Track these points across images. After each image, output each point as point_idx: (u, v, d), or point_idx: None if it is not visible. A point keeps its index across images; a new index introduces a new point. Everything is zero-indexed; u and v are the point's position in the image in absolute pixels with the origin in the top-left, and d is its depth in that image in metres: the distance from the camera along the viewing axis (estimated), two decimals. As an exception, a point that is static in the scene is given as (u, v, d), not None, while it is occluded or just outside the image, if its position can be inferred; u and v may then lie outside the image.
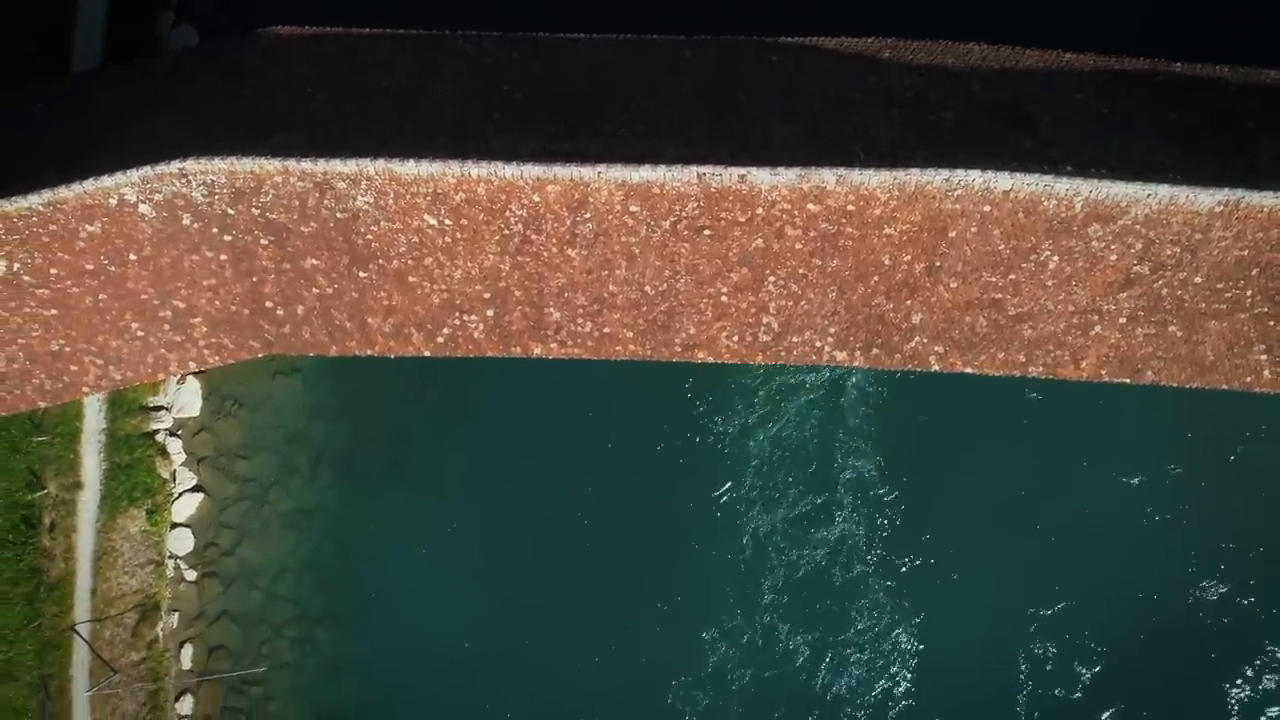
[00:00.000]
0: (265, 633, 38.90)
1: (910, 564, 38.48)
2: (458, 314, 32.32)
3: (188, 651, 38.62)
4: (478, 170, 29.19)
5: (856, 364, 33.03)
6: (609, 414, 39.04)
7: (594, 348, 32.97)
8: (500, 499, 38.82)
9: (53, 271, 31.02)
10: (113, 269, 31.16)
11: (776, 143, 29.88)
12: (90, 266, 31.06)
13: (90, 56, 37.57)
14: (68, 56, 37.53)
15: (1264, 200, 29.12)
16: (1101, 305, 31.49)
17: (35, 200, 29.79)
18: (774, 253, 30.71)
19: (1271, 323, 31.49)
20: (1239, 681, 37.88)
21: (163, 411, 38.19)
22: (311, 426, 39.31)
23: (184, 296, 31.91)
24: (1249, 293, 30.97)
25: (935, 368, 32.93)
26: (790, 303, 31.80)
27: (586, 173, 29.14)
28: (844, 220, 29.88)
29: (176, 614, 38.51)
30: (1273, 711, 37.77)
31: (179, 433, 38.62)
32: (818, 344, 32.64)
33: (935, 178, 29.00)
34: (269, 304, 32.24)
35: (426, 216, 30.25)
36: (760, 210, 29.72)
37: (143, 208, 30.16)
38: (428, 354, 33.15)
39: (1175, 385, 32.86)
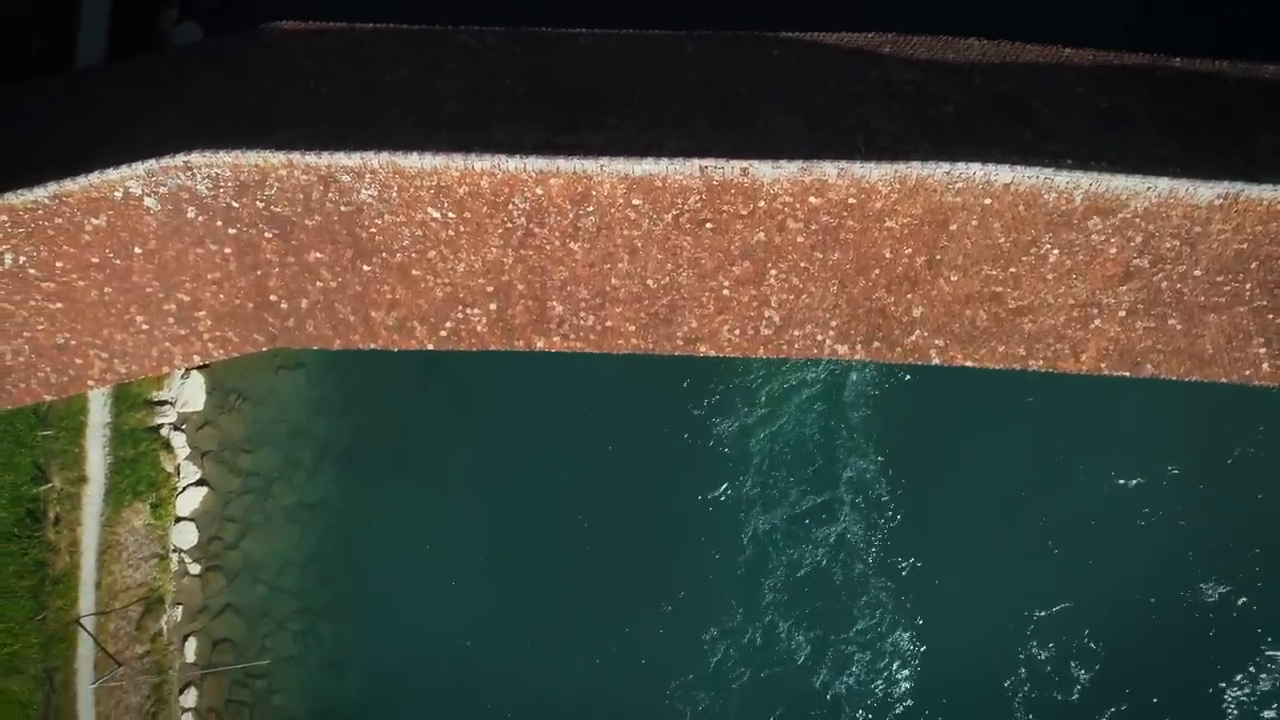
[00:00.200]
0: (269, 626, 39.04)
1: (910, 563, 38.55)
2: (461, 307, 32.44)
3: (192, 644, 38.77)
4: (481, 163, 29.33)
5: (857, 357, 33.13)
6: (610, 412, 39.11)
7: (596, 341, 33.07)
8: (502, 494, 38.92)
9: (58, 265, 31.19)
10: (118, 262, 31.32)
11: (778, 135, 30.00)
12: (95, 260, 31.22)
13: (94, 54, 37.66)
14: (71, 54, 37.62)
15: (1263, 193, 29.20)
16: (1101, 298, 31.57)
17: (41, 193, 29.97)
18: (776, 246, 30.83)
19: (1270, 316, 31.54)
20: (1237, 678, 37.92)
21: (167, 406, 38.35)
22: (315, 421, 39.42)
23: (189, 290, 32.05)
24: (1248, 286, 31.05)
25: (936, 361, 33.00)
26: (792, 296, 31.91)
27: (589, 165, 29.27)
28: (845, 213, 30.01)
29: (180, 607, 38.66)
30: (1269, 713, 37.81)
31: (183, 427, 38.75)
32: (819, 337, 32.73)
33: (936, 171, 29.12)
34: (273, 297, 32.37)
35: (430, 210, 30.39)
36: (762, 203, 29.86)
37: (148, 201, 30.31)
38: (431, 347, 33.25)
39: (1174, 378, 32.88)
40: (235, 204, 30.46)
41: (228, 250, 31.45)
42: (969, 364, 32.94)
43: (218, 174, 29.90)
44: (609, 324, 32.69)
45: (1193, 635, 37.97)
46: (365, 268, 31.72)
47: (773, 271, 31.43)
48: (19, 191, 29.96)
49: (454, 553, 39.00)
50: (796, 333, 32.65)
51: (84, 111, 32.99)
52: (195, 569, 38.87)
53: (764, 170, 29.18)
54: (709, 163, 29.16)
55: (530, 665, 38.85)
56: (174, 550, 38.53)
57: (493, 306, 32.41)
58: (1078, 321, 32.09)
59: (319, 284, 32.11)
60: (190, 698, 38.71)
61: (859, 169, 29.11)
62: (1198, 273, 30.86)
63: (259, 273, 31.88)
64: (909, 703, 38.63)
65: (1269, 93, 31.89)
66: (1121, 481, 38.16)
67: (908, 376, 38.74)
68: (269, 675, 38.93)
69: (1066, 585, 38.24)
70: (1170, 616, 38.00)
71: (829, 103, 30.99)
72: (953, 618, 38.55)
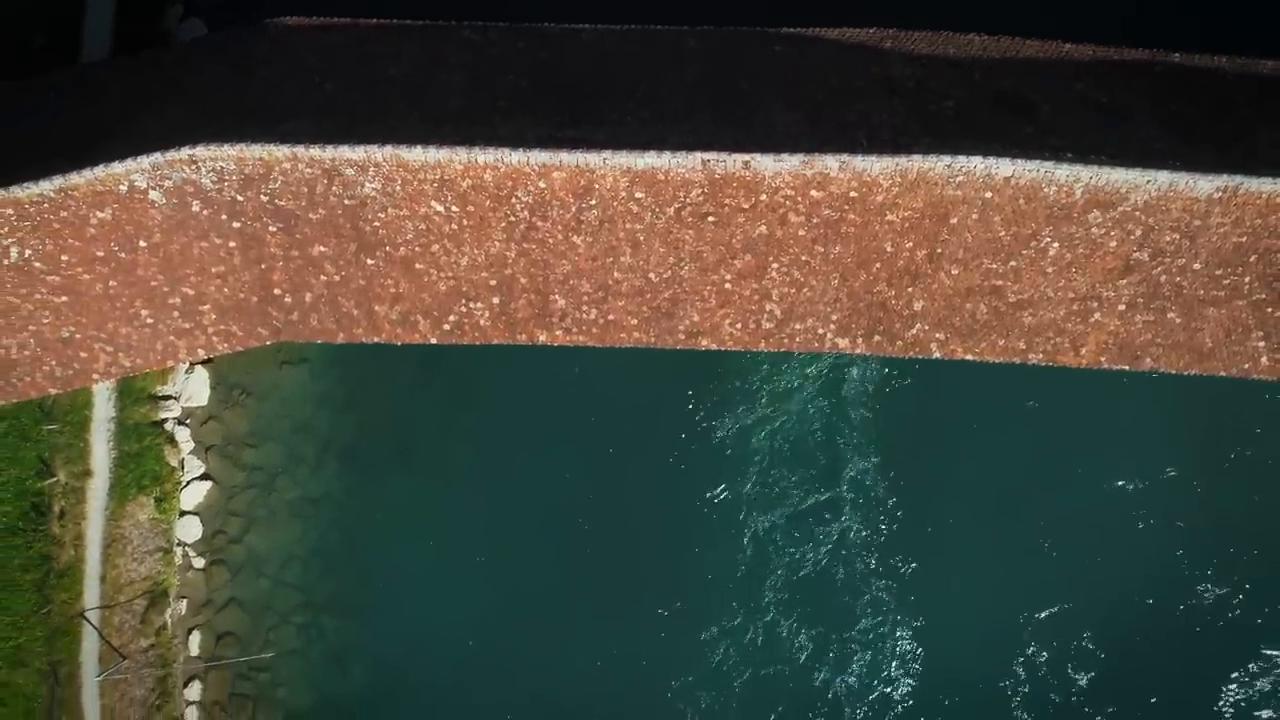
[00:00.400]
0: (272, 620, 39.17)
1: (911, 563, 38.65)
2: (464, 301, 32.58)
3: (196, 638, 38.91)
4: (484, 156, 29.47)
5: (859, 351, 33.24)
6: (611, 409, 39.23)
7: (599, 335, 33.19)
8: (504, 490, 39.06)
9: (64, 258, 31.27)
10: (123, 256, 31.42)
11: (780, 130, 30.14)
12: (101, 253, 31.32)
13: (99, 51, 37.79)
14: (76, 51, 37.72)
15: (1262, 186, 29.34)
16: (1101, 292, 31.70)
17: (47, 186, 30.04)
18: (777, 239, 30.98)
19: (1269, 309, 31.66)
20: (1235, 678, 38.04)
21: (171, 400, 38.48)
22: (318, 416, 39.58)
23: (193, 284, 32.16)
24: (1247, 279, 31.18)
25: (936, 354, 33.11)
26: (793, 290, 32.05)
27: (592, 159, 29.41)
28: (847, 207, 30.15)
29: (185, 601, 38.78)
30: (1267, 713, 37.92)
31: (187, 421, 38.89)
32: (820, 331, 32.86)
33: (937, 164, 29.27)
34: (277, 291, 32.50)
35: (433, 203, 30.53)
36: (764, 197, 29.99)
37: (153, 194, 30.43)
38: (434, 341, 33.36)
39: (1174, 372, 32.95)
40: (240, 197, 30.58)
41: (232, 244, 31.57)
42: (969, 357, 33.04)
43: (222, 167, 30.02)
44: (611, 317, 32.81)
45: (1191, 635, 38.09)
46: (369, 261, 31.85)
47: (774, 265, 31.57)
48: (24, 185, 30.03)
49: (456, 548, 39.11)
50: (798, 326, 32.77)
51: (89, 106, 33.09)
52: (199, 563, 39.01)
53: (766, 164, 29.32)
54: (711, 156, 29.31)
55: (531, 662, 38.94)
56: (178, 544, 38.68)
57: (495, 300, 32.55)
58: (1077, 315, 32.20)
59: (323, 278, 32.24)
60: (194, 691, 38.82)
61: (860, 162, 29.25)
62: (1197, 266, 30.98)
63: (263, 266, 32.00)
64: (909, 703, 38.73)
65: (1267, 88, 32.06)
66: (1121, 483, 38.33)
67: (908, 376, 38.91)
68: (272, 668, 39.04)
69: (1066, 585, 38.36)
70: (1169, 617, 38.14)
71: (830, 98, 31.13)
72: (952, 617, 38.66)
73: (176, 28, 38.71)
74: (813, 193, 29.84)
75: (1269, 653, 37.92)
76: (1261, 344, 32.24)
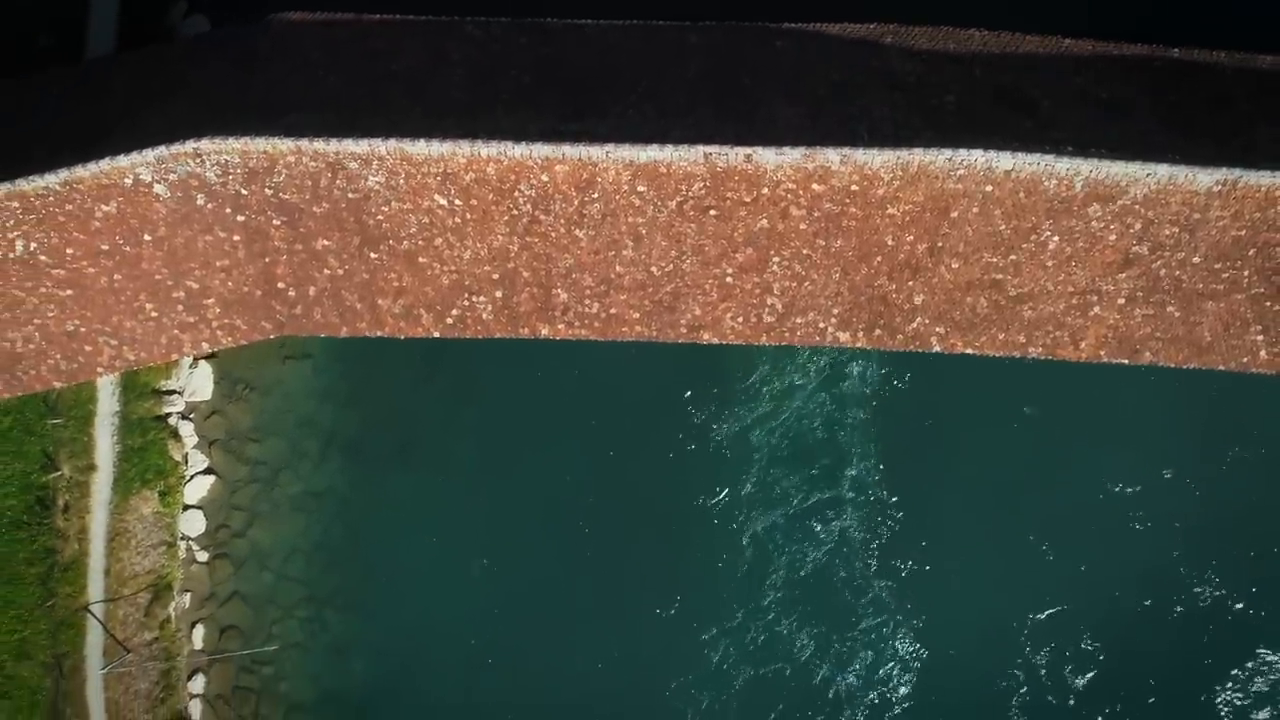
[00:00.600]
0: (276, 613, 39.31)
1: (910, 563, 38.75)
2: (467, 295, 32.68)
3: (199, 631, 39.05)
4: (487, 150, 29.56)
5: (859, 345, 33.31)
6: (613, 407, 39.36)
7: (600, 329, 33.24)
8: (506, 485, 39.20)
9: (69, 251, 31.36)
10: (128, 249, 31.52)
11: (781, 124, 30.24)
12: (105, 246, 31.42)
13: (103, 49, 37.97)
14: (80, 50, 37.88)
15: (1261, 179, 29.41)
16: (1101, 286, 31.79)
17: (52, 179, 30.10)
18: (779, 233, 31.09)
19: (1268, 303, 31.75)
20: (1232, 680, 38.17)
21: (175, 395, 38.64)
22: (321, 410, 39.70)
23: (197, 277, 32.25)
24: (1246, 273, 31.27)
25: (936, 348, 33.19)
26: (794, 283, 32.16)
27: (594, 152, 29.49)
28: (848, 200, 30.26)
29: (188, 594, 38.93)
30: (1265, 713, 38.05)
31: (191, 416, 39.05)
32: (821, 325, 32.95)
33: (938, 157, 29.36)
34: (281, 285, 32.61)
35: (437, 197, 30.65)
36: (765, 190, 30.11)
37: (158, 188, 30.53)
38: (437, 335, 33.44)
39: (1173, 366, 33.02)
40: (244, 191, 30.69)
41: (236, 237, 31.67)
42: (969, 351, 33.12)
43: (227, 161, 30.12)
44: (613, 311, 32.90)
45: (1189, 636, 38.25)
46: (372, 255, 31.97)
47: (775, 259, 31.68)
48: (30, 178, 30.07)
49: (458, 543, 39.25)
50: (799, 320, 32.87)
51: (94, 101, 33.18)
52: (203, 556, 39.17)
53: (767, 157, 29.41)
54: (713, 149, 29.38)
55: (531, 660, 39.09)
56: (182, 538, 38.82)
57: (498, 294, 32.65)
58: (1077, 309, 32.29)
59: (326, 271, 32.35)
60: (198, 684, 39.00)
61: (862, 155, 29.34)
62: (1196, 260, 31.07)
63: (267, 260, 32.12)
64: (909, 703, 38.84)
65: (1266, 83, 32.19)
66: (1120, 484, 38.43)
67: (908, 375, 39.01)
68: (276, 662, 39.21)
69: (1066, 585, 38.49)
70: (1168, 617, 38.29)
71: (831, 93, 31.27)
72: (952, 616, 38.81)
73: (180, 24, 38.88)
74: (814, 186, 29.95)
75: (1265, 654, 38.02)
76: (1260, 338, 32.31)
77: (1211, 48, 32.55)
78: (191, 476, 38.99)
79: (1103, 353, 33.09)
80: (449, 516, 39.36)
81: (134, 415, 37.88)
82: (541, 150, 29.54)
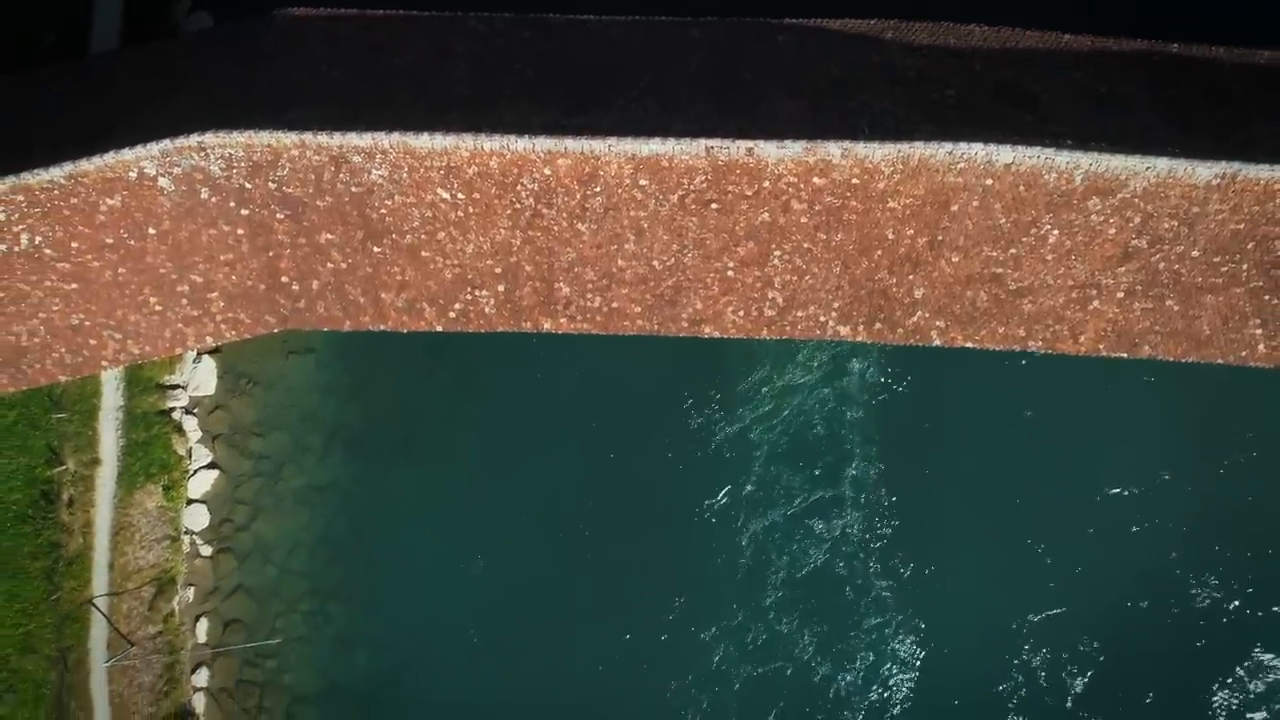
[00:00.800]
0: (279, 607, 39.48)
1: (910, 563, 38.89)
2: (469, 289, 32.80)
3: (203, 625, 39.25)
4: (490, 143, 29.71)
5: (859, 339, 33.40)
6: (613, 408, 39.53)
7: (602, 323, 33.36)
8: (507, 480, 39.35)
9: (73, 245, 31.49)
10: (132, 243, 31.64)
11: (783, 118, 30.37)
12: (110, 240, 31.55)
13: (107, 44, 38.06)
14: (85, 46, 37.99)
15: (1260, 173, 29.55)
16: (1100, 279, 31.91)
17: (57, 173, 30.27)
18: (780, 227, 31.21)
19: (1266, 297, 31.85)
20: (1229, 680, 38.27)
21: (179, 390, 38.81)
22: (324, 405, 39.89)
23: (201, 271, 32.37)
24: (1245, 267, 31.38)
25: (937, 342, 33.31)
26: (795, 277, 32.27)
27: (597, 146, 29.64)
28: (849, 194, 30.38)
29: (192, 588, 39.14)
30: (1262, 714, 38.14)
31: (195, 410, 39.24)
32: (821, 318, 33.07)
33: (938, 151, 29.49)
34: (284, 279, 32.73)
35: (440, 190, 30.78)
36: (767, 184, 30.24)
37: (162, 181, 30.67)
38: (439, 329, 33.53)
39: (1171, 359, 33.12)
40: (248, 185, 30.83)
41: (240, 231, 31.80)
42: (969, 345, 33.23)
43: (231, 154, 30.27)
44: (615, 305, 33.02)
45: (1188, 636, 38.41)
46: (375, 249, 32.09)
47: (777, 252, 31.80)
48: (35, 171, 30.25)
49: (460, 537, 39.42)
50: (800, 314, 32.99)
51: (97, 98, 33.29)
52: (207, 550, 39.35)
53: (769, 150, 29.56)
54: (715, 143, 29.55)
55: (532, 657, 39.30)
56: (186, 532, 39.00)
57: (501, 288, 32.78)
58: (1076, 303, 32.41)
59: (330, 265, 32.47)
60: (202, 677, 39.18)
61: (862, 149, 29.48)
62: (1195, 253, 31.19)
63: (271, 254, 32.24)
64: (909, 703, 38.93)
65: (1265, 78, 32.29)
66: (1119, 486, 38.55)
67: (909, 374, 39.10)
68: (279, 655, 39.37)
69: (1065, 585, 38.66)
70: (1168, 617, 38.50)
71: (832, 87, 31.39)
72: (952, 615, 38.98)
73: (183, 20, 39.00)
74: (815, 180, 30.08)
75: (1261, 655, 38.12)
76: (1259, 331, 32.41)
77: (1210, 43, 32.64)
78: (195, 471, 39.16)
79: (1102, 346, 33.19)
80: (451, 511, 39.50)
81: (138, 410, 38.03)
82: (544, 144, 29.70)
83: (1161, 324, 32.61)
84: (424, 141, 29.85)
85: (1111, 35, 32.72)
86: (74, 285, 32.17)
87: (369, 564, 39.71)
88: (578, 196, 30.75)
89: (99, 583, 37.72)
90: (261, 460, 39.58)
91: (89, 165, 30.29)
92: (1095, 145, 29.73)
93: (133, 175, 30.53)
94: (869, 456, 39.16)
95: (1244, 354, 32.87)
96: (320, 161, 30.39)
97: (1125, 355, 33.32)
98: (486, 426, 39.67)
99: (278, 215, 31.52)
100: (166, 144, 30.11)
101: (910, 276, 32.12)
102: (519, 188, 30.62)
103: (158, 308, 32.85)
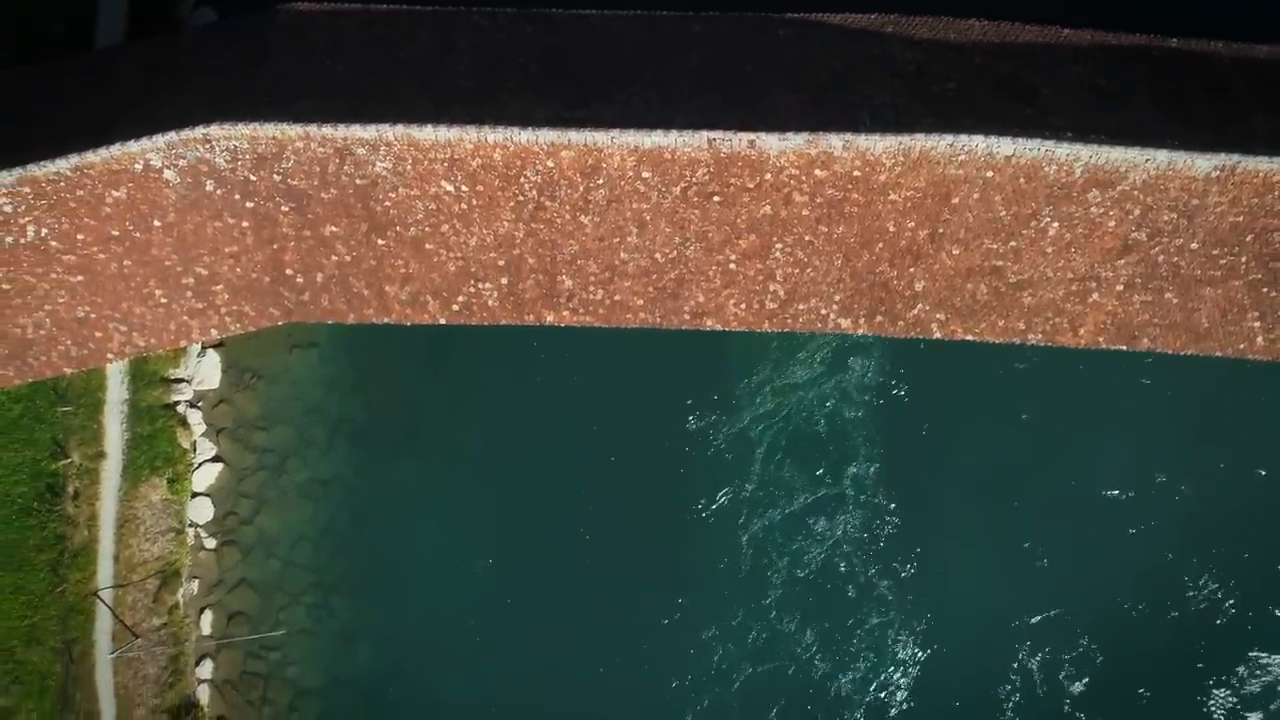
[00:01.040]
0: (283, 599, 39.62)
1: (911, 563, 38.98)
2: (473, 281, 32.95)
3: (208, 617, 39.40)
4: (494, 135, 29.85)
5: (860, 331, 33.54)
6: (614, 405, 39.63)
7: (605, 315, 33.50)
8: (511, 474, 39.46)
9: (79, 237, 31.60)
10: (138, 235, 31.76)
11: (784, 111, 30.52)
12: (116, 232, 31.66)
13: (112, 39, 38.09)
14: (90, 39, 38.07)
15: (1259, 165, 29.69)
16: (1100, 272, 32.05)
17: (63, 165, 30.34)
18: (781, 219, 31.36)
19: (1265, 289, 32.01)
20: (1227, 681, 38.41)
21: (183, 383, 38.93)
22: (328, 399, 39.99)
23: (206, 263, 32.51)
24: (1244, 259, 31.54)
25: (937, 335, 33.45)
26: (797, 270, 32.43)
27: (600, 138, 29.79)
28: (850, 186, 30.54)
29: (196, 581, 39.26)
30: (1259, 715, 38.28)
31: (199, 404, 39.36)
32: (823, 311, 33.21)
33: (939, 143, 29.66)
34: (289, 271, 32.87)
35: (444, 183, 30.93)
36: (769, 176, 30.39)
37: (167, 173, 30.80)
38: (443, 321, 33.66)
39: (1170, 352, 33.26)
40: (253, 177, 30.97)
41: (245, 224, 31.93)
42: (969, 338, 33.37)
43: (236, 146, 30.40)
44: (618, 298, 33.17)
45: (1187, 637, 38.58)
46: (380, 241, 32.23)
47: (778, 245, 31.95)
48: (41, 163, 30.32)
49: (463, 530, 39.54)
50: (801, 307, 33.13)
51: (101, 92, 33.36)
52: (211, 543, 39.49)
53: (771, 142, 29.72)
54: (717, 135, 29.69)
55: (534, 655, 39.42)
56: (190, 525, 39.14)
57: (504, 280, 32.92)
58: (1076, 295, 32.55)
59: (334, 258, 32.61)
60: (206, 669, 39.32)
61: (864, 141, 29.64)
62: (1194, 246, 31.33)
63: (275, 246, 32.38)
64: (909, 703, 39.04)
65: (1263, 73, 32.42)
66: (1118, 486, 38.68)
67: (909, 374, 39.22)
68: (283, 647, 39.50)
69: (1064, 586, 38.80)
70: (1167, 617, 38.62)
71: (833, 80, 31.54)
72: (952, 615, 39.10)
73: (188, 16, 39.02)
74: (817, 172, 30.24)
75: (1259, 656, 38.27)
76: (1257, 324, 32.57)
77: (1209, 37, 32.79)
78: (200, 464, 39.29)
79: (1101, 339, 33.35)
80: (454, 505, 39.64)
81: (143, 403, 38.15)
82: (547, 136, 29.85)
83: (1160, 316, 32.75)
84: (428, 134, 29.97)
85: (1111, 30, 32.83)
86: (79, 277, 32.26)
87: (372, 558, 39.84)
88: (581, 189, 30.90)
89: (104, 575, 37.82)
90: (265, 454, 39.71)
91: (94, 157, 30.39)
92: (1095, 138, 29.86)
93: (138, 167, 30.63)
94: (870, 456, 39.28)
95: (1242, 347, 33.01)
96: (325, 154, 30.53)
97: (1124, 348, 33.46)
98: (490, 421, 39.79)
99: (282, 208, 31.65)
100: (172, 136, 30.21)
101: (911, 269, 32.27)
102: (522, 180, 30.77)
103: (163, 300, 32.97)
